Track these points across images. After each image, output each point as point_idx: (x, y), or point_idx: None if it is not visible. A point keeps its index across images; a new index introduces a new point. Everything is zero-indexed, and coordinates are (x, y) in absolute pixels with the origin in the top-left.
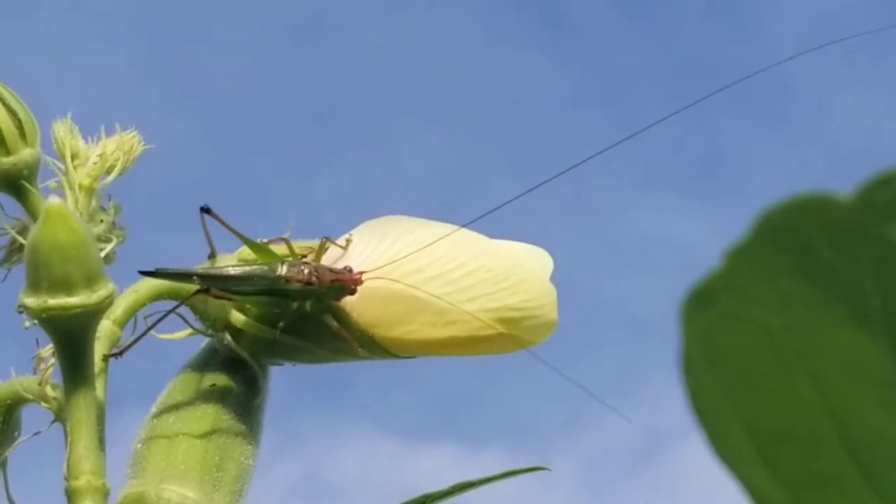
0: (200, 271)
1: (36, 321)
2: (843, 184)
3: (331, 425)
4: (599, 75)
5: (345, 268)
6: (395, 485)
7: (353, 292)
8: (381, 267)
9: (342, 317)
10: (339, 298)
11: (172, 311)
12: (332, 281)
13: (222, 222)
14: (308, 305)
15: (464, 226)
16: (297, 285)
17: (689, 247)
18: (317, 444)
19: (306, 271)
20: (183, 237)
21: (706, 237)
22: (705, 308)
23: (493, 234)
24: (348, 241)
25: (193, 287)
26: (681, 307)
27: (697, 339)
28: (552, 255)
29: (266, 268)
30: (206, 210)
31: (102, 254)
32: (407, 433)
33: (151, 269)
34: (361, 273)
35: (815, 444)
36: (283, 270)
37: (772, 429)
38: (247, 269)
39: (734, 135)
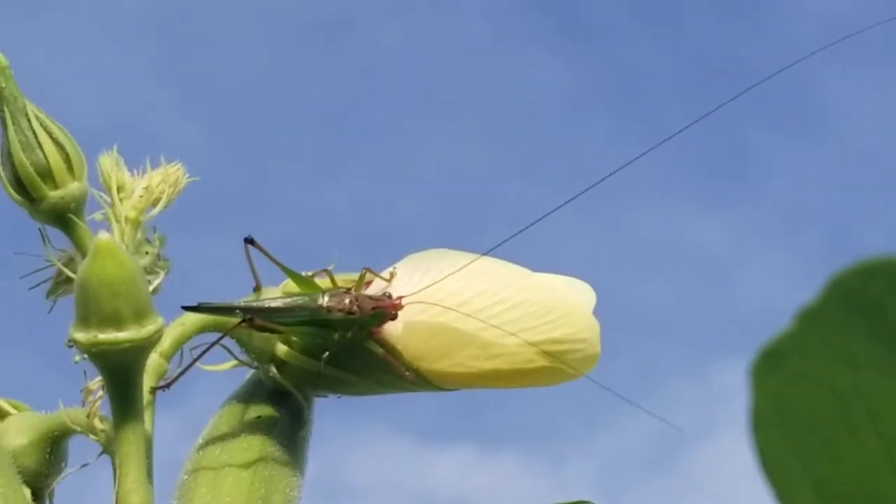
0: (243, 304)
1: (86, 355)
2: (862, 188)
3: (348, 426)
4: (614, 77)
5: (384, 294)
6: (412, 486)
7: (394, 317)
8: (419, 292)
9: (388, 349)
10: (380, 325)
11: (216, 343)
12: (373, 308)
13: (266, 253)
14: (351, 335)
15: (488, 252)
16: (338, 314)
17: (707, 250)
18: (334, 444)
19: (347, 301)
20: (200, 238)
21: (724, 240)
22: (776, 368)
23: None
24: (392, 273)
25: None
26: (751, 366)
27: (767, 398)
28: (593, 288)
29: (307, 298)
30: (249, 241)
31: (150, 287)
32: (424, 434)
33: (194, 303)
34: (401, 298)
35: (882, 503)
36: (324, 300)
37: (840, 488)
38: (288, 300)
39: (753, 138)
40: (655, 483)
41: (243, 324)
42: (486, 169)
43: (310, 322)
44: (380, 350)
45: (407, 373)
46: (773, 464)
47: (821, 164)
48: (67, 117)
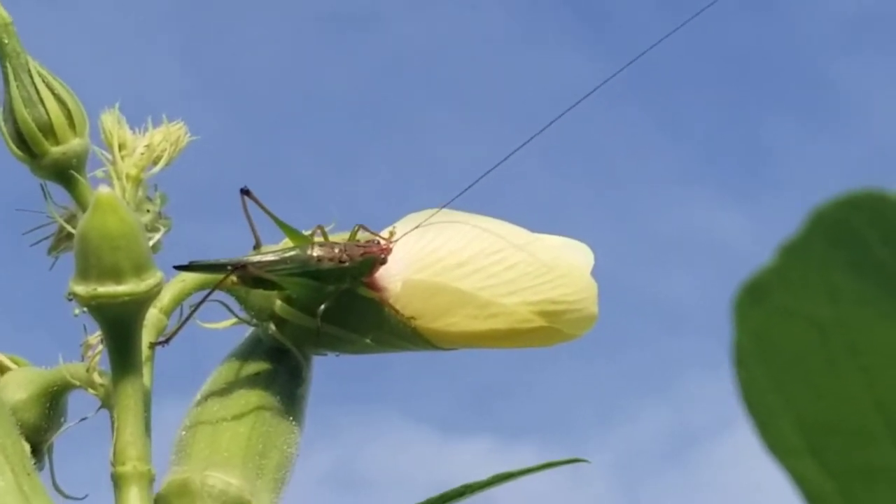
0: (234, 260)
1: (85, 309)
2: (884, 179)
3: (365, 417)
4: (637, 71)
5: (372, 240)
6: (428, 477)
7: (384, 262)
8: (413, 245)
9: (385, 307)
10: (372, 272)
11: (207, 297)
12: (362, 255)
13: (261, 205)
14: (345, 285)
15: (447, 203)
16: (329, 264)
17: (727, 242)
18: (350, 435)
19: (336, 250)
20: (221, 226)
21: (744, 232)
22: (758, 303)
23: (533, 229)
24: (391, 233)
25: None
26: (733, 301)
27: (750, 333)
28: (591, 248)
29: (298, 250)
30: (245, 192)
31: (150, 243)
32: (441, 425)
33: (185, 262)
34: (388, 241)
35: (863, 436)
36: (314, 251)
37: (821, 421)
38: (278, 253)
39: (773, 131)
40: (672, 476)
41: (236, 278)
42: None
43: (301, 274)
44: (375, 294)
45: (403, 326)
46: (754, 399)
47: (842, 155)
48: (89, 105)
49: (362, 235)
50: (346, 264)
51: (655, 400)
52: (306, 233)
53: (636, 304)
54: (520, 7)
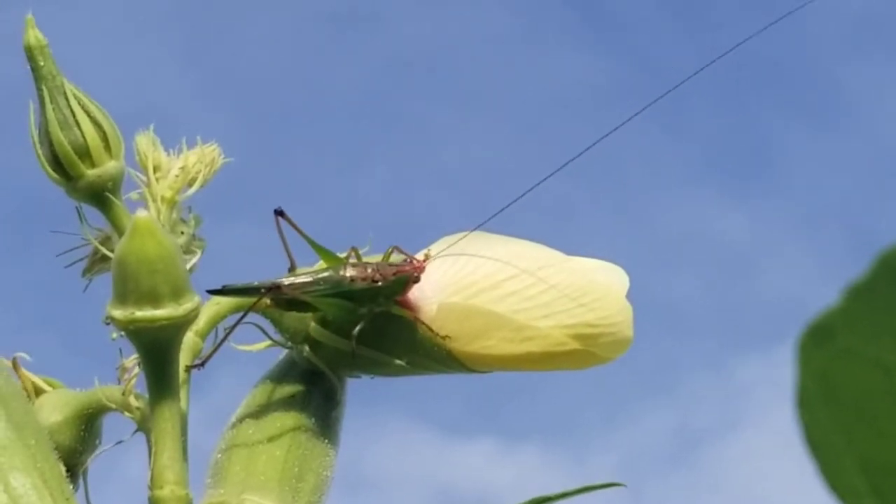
0: (267, 283)
1: (122, 333)
2: (886, 180)
3: (369, 418)
4: (640, 69)
5: (405, 260)
6: (433, 478)
7: (417, 280)
8: (449, 268)
9: (420, 330)
10: (405, 291)
11: (240, 320)
12: (395, 274)
13: (294, 226)
14: (378, 305)
15: (480, 225)
16: (361, 284)
17: (732, 243)
18: (355, 436)
19: (369, 270)
20: (226, 225)
21: (747, 233)
22: (823, 344)
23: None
24: (427, 255)
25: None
26: (798, 342)
27: (814, 374)
28: (626, 271)
29: (331, 271)
30: (279, 213)
31: (187, 266)
32: (446, 427)
33: (219, 287)
34: (422, 261)
35: None
36: (347, 271)
37: (885, 464)
38: (312, 274)
39: (776, 131)
40: (676, 477)
41: (270, 301)
42: (512, 160)
43: (334, 294)
44: (410, 314)
45: (438, 349)
46: (818, 440)
47: (844, 157)
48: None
49: (396, 257)
50: (379, 284)
51: (660, 401)
52: (340, 254)
53: (640, 304)
54: (522, 6)
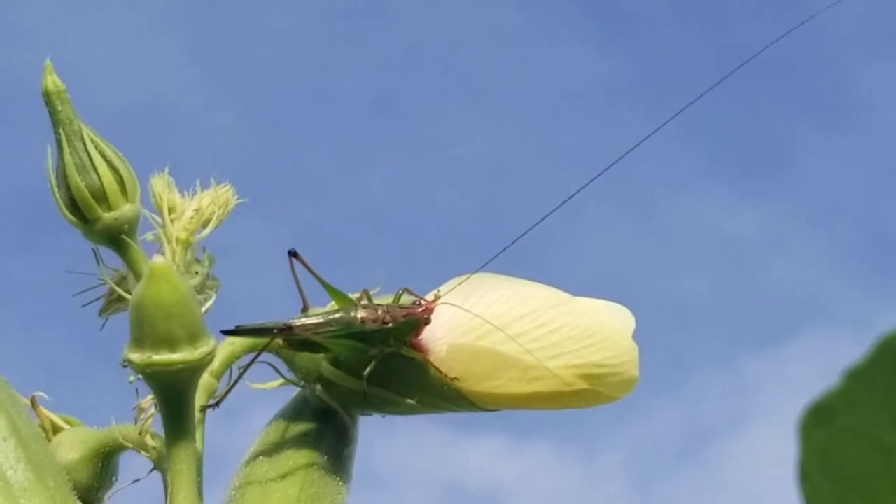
0: (279, 323)
1: (140, 376)
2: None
3: (378, 415)
4: (648, 65)
5: (415, 302)
6: (442, 475)
7: (427, 322)
8: (458, 309)
9: (431, 370)
10: (416, 333)
11: (253, 361)
12: (405, 316)
13: (307, 267)
14: (389, 347)
15: (503, 249)
16: (372, 326)
17: (741, 241)
18: (364, 433)
19: (380, 311)
20: (232, 223)
21: (758, 231)
22: (824, 424)
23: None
24: (437, 296)
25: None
26: (800, 421)
27: (815, 452)
28: (632, 312)
29: (342, 312)
30: (293, 254)
31: (202, 309)
32: (456, 423)
33: (232, 327)
34: (432, 302)
35: None
36: (358, 313)
37: None
38: (323, 315)
39: (789, 129)
40: (684, 474)
41: (282, 341)
42: (519, 156)
43: (346, 335)
44: (419, 355)
45: (448, 389)
46: None
47: (855, 156)
48: (101, 100)
49: (406, 298)
50: (390, 325)
51: (668, 398)
52: (352, 296)
53: (649, 302)
54: (530, 2)
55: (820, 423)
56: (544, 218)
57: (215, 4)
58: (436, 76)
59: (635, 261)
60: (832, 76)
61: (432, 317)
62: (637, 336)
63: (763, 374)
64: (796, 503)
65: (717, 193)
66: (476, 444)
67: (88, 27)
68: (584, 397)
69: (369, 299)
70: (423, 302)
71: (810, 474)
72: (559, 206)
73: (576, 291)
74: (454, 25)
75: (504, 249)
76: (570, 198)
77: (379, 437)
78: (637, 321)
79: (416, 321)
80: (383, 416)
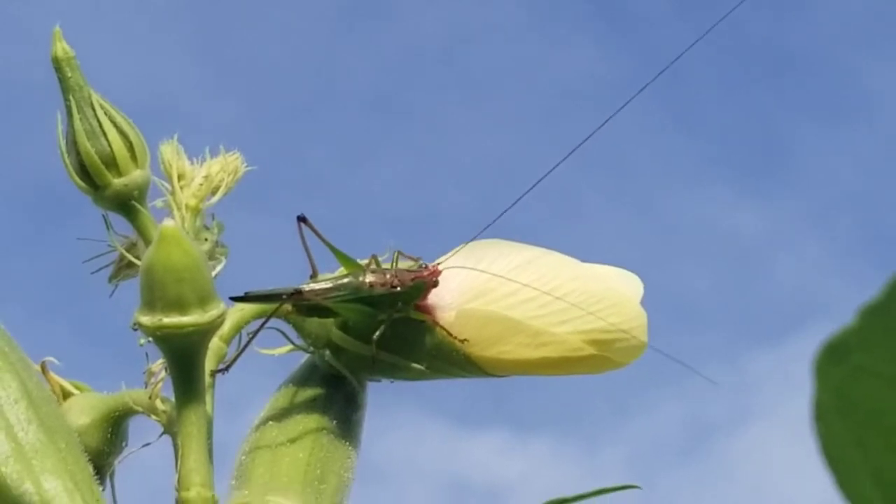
0: (288, 289)
1: (150, 339)
2: None
3: (380, 409)
4: (650, 62)
5: (421, 265)
6: (443, 470)
7: (435, 285)
8: (466, 275)
9: (440, 335)
10: (424, 296)
11: (261, 327)
12: (413, 279)
13: (316, 232)
14: (398, 311)
15: (488, 225)
16: (380, 290)
17: (743, 237)
18: (366, 427)
19: (388, 276)
20: (238, 215)
21: (760, 228)
22: (838, 362)
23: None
24: (442, 262)
25: None
26: (814, 360)
27: (830, 390)
28: (641, 279)
29: (350, 277)
30: (302, 219)
31: (212, 273)
32: (457, 418)
33: (241, 294)
34: (438, 264)
35: None
36: (366, 277)
37: None
38: (332, 281)
39: (790, 125)
40: (686, 470)
41: (291, 307)
42: (521, 152)
43: (355, 300)
44: (429, 317)
45: (457, 354)
46: (834, 453)
47: (856, 152)
48: (106, 96)
49: (407, 263)
50: (398, 289)
51: (671, 393)
52: (361, 261)
53: (652, 298)
54: (533, 0)
55: (834, 361)
56: (522, 197)
57: (218, 2)
58: (438, 74)
59: (637, 257)
60: (834, 73)
61: (442, 282)
62: None
63: (766, 370)
64: (798, 500)
65: (719, 190)
66: (478, 440)
67: (89, 26)
68: (592, 363)
69: (378, 264)
70: (430, 266)
71: (825, 414)
72: (535, 185)
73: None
74: (457, 24)
75: (499, 217)
76: (548, 174)
77: (382, 432)
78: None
79: (425, 284)
80: (392, 382)
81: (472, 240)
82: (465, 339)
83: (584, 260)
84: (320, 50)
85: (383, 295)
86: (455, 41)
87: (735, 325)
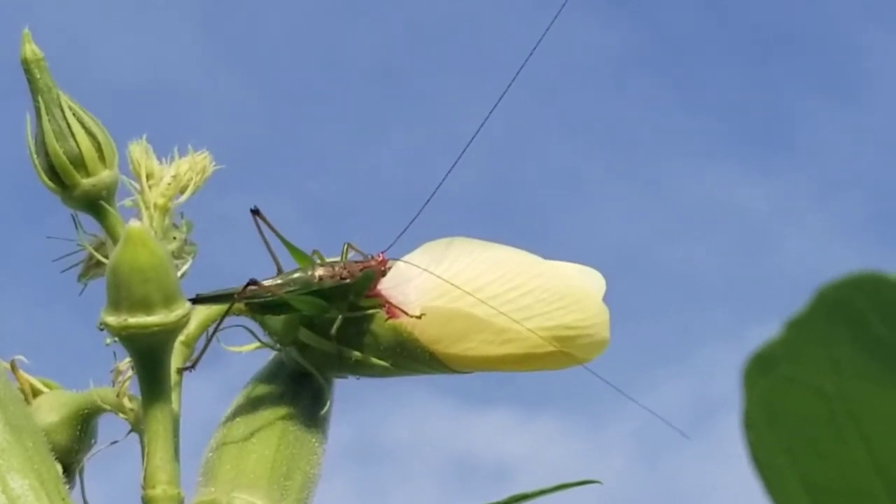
0: (239, 288)
1: (116, 338)
2: None
3: (387, 388)
4: (658, 40)
5: (368, 256)
6: (450, 448)
7: (384, 273)
8: (429, 276)
9: (405, 333)
10: (374, 286)
11: (219, 324)
12: (362, 270)
13: (269, 225)
14: (351, 299)
15: (412, 220)
16: (330, 282)
17: (749, 214)
18: (372, 406)
19: (336, 268)
20: (238, 195)
21: (766, 204)
22: (766, 372)
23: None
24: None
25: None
26: (743, 370)
27: (758, 399)
28: (603, 276)
29: (300, 272)
30: (255, 212)
31: (178, 273)
32: (463, 397)
33: (192, 296)
34: (383, 253)
35: (864, 498)
36: (315, 271)
37: (826, 484)
38: (281, 277)
39: (796, 101)
40: (692, 446)
41: (244, 305)
42: (529, 130)
43: (307, 293)
44: (384, 309)
45: (421, 351)
46: (763, 460)
47: (862, 127)
48: (110, 75)
49: (354, 256)
50: (347, 280)
51: (676, 370)
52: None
53: (657, 274)
54: None
55: (763, 371)
56: (453, 164)
57: None
58: (443, 50)
59: (643, 234)
60: (840, 47)
61: (406, 278)
62: (645, 308)
63: None
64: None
65: (725, 166)
66: (484, 417)
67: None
68: (555, 359)
69: (321, 258)
70: (378, 255)
71: (753, 422)
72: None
73: (583, 265)
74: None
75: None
76: (475, 135)
77: (388, 411)
78: (645, 294)
79: (373, 273)
80: (358, 379)
81: (415, 217)
82: (430, 342)
83: (548, 256)
84: (325, 25)
85: (334, 287)
86: (460, 17)
87: (740, 302)
